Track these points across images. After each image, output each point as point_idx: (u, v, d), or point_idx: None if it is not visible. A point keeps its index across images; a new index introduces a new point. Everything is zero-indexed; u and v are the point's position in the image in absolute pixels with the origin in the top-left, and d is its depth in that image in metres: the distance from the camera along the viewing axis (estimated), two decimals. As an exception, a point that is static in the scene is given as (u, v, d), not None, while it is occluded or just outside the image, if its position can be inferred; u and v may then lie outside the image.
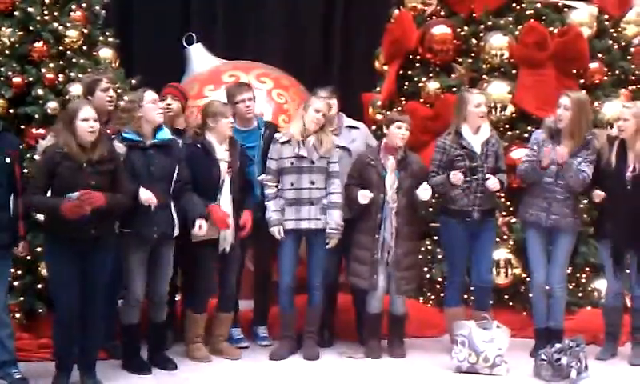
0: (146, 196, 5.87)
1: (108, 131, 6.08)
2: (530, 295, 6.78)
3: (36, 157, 5.73)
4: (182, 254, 6.36)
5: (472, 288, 6.83)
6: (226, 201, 6.36)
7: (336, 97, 6.84)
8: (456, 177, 6.37)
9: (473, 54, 7.76)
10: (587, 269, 7.34)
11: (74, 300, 5.64)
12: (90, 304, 5.72)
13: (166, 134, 6.13)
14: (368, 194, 6.39)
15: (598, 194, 6.43)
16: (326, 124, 6.51)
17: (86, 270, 5.67)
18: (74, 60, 6.90)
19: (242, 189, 6.47)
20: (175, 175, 6.08)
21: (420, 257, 7.19)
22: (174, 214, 6.09)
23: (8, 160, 5.69)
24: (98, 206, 5.48)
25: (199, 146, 6.35)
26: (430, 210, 7.21)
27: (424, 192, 6.43)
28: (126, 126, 6.01)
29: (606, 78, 7.75)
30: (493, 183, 6.41)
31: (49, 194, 5.57)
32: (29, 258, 6.26)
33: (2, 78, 6.65)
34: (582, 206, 6.86)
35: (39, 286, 6.38)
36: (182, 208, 6.14)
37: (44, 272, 6.22)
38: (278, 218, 6.45)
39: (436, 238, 7.35)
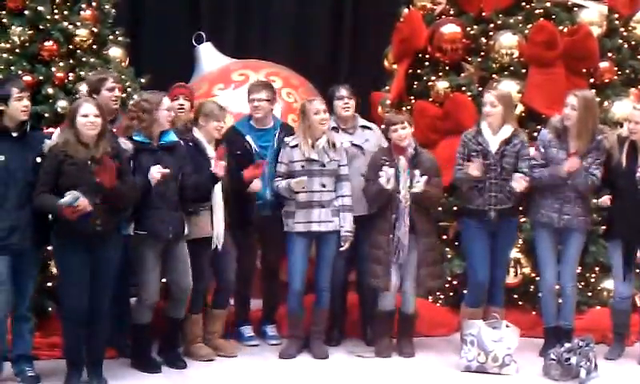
0: (156, 170, 5.87)
1: (114, 130, 6.09)
2: (540, 294, 6.77)
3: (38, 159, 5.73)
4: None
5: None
6: (218, 198, 6.37)
7: (354, 97, 6.89)
8: (473, 166, 6.35)
9: (482, 53, 7.74)
10: (597, 268, 7.31)
11: (82, 298, 5.67)
12: (96, 302, 5.74)
13: (172, 136, 6.15)
14: (389, 171, 6.32)
15: (605, 201, 6.44)
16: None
17: (93, 267, 5.69)
18: (83, 59, 6.91)
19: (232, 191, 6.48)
20: (181, 175, 6.10)
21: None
22: (183, 214, 6.14)
23: (39, 159, 5.72)
24: (109, 185, 5.54)
25: (191, 144, 6.36)
26: (440, 209, 7.21)
27: (517, 183, 6.38)
28: (138, 128, 6.02)
29: (615, 77, 7.73)
30: (517, 184, 6.36)
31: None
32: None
33: (11, 78, 6.67)
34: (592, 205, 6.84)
35: (49, 284, 6.39)
36: (195, 187, 6.15)
37: (54, 270, 6.22)
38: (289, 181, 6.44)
39: (445, 237, 7.36)
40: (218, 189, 6.34)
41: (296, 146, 6.51)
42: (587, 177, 6.36)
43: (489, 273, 6.56)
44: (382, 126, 6.82)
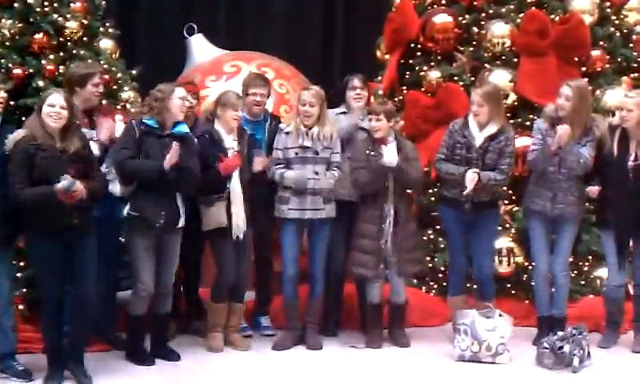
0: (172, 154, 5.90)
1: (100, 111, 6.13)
2: (533, 283, 6.78)
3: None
4: (193, 245, 6.38)
5: (474, 278, 6.82)
6: (235, 189, 6.36)
7: (367, 88, 6.90)
8: (469, 178, 6.35)
9: (474, 43, 7.75)
10: (590, 257, 7.33)
11: (60, 293, 5.63)
12: (78, 296, 5.67)
13: (184, 128, 6.15)
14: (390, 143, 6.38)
15: (593, 191, 6.44)
16: (321, 116, 6.52)
17: (72, 260, 5.62)
18: (74, 51, 6.86)
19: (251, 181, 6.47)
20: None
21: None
22: (180, 205, 6.09)
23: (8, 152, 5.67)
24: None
25: (207, 136, 6.36)
26: (432, 199, 7.22)
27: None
28: (150, 115, 6.04)
29: (607, 65, 7.75)
30: (470, 177, 6.36)
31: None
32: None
33: (2, 70, 6.62)
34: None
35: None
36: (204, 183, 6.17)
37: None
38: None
39: (438, 227, 7.36)
40: (235, 181, 6.32)
41: (289, 132, 6.52)
42: (579, 155, 6.32)
43: (466, 260, 6.62)
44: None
